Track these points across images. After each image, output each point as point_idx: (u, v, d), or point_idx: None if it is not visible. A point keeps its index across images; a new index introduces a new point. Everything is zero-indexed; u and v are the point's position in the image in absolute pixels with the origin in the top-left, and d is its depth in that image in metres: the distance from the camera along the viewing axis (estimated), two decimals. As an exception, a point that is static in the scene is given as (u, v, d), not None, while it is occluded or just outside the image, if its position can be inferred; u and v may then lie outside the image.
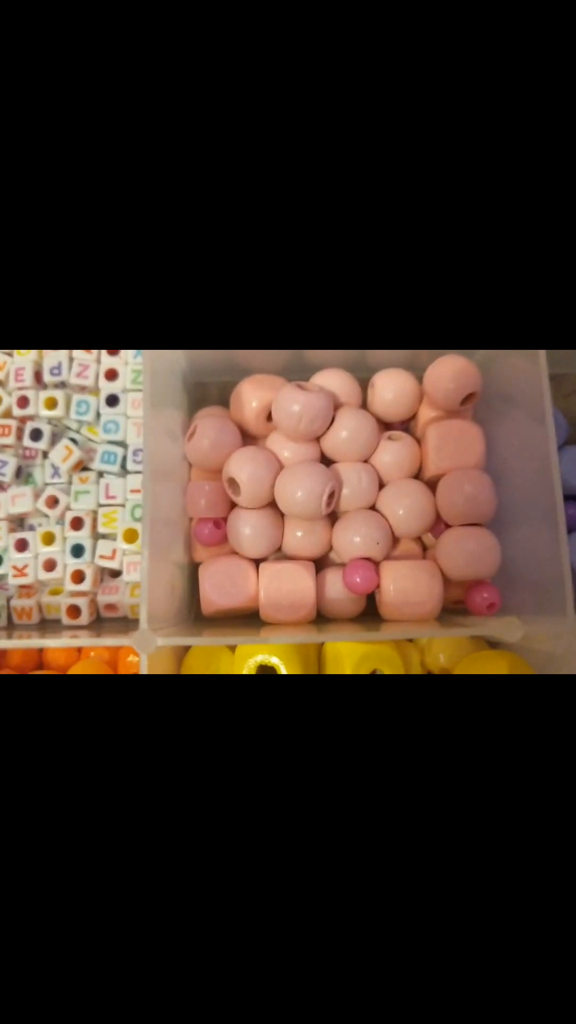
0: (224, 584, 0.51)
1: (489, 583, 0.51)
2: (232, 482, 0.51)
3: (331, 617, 0.53)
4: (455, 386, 0.53)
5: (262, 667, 0.48)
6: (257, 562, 0.53)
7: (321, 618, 0.53)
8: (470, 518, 0.51)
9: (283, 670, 0.47)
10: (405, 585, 0.50)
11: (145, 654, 0.43)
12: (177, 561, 0.52)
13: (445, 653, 0.52)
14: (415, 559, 0.52)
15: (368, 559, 0.51)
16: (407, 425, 0.58)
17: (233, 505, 0.53)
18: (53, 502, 0.55)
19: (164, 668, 0.48)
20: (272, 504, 0.52)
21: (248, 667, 0.48)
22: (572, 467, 0.58)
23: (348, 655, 0.48)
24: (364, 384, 0.56)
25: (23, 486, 0.56)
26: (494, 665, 0.47)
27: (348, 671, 0.47)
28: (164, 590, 0.47)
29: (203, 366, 0.57)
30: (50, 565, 0.54)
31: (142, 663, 0.43)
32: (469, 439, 0.53)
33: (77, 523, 0.55)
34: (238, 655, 0.49)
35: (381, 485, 0.54)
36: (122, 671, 0.53)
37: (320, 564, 0.54)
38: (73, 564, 0.54)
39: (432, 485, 0.53)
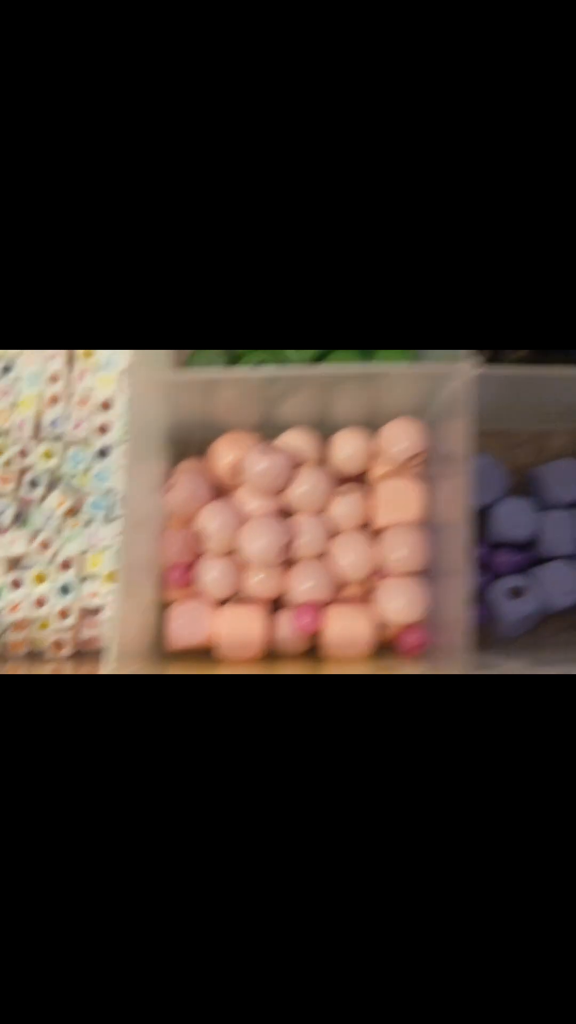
0: (188, 624, 0.59)
1: (419, 625, 0.58)
2: (202, 531, 0.59)
3: (283, 653, 0.59)
4: (404, 447, 0.59)
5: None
6: (223, 602, 0.60)
7: (273, 654, 0.60)
8: (405, 568, 0.58)
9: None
10: (344, 626, 0.57)
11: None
12: (149, 601, 0.59)
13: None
14: (355, 603, 0.59)
15: (315, 602, 0.58)
16: (362, 478, 0.64)
17: (201, 552, 0.60)
18: (45, 546, 0.62)
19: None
20: (236, 551, 0.59)
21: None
22: (508, 518, 0.64)
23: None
24: (327, 438, 0.63)
25: (20, 530, 0.63)
26: None
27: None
28: (135, 627, 0.54)
29: (184, 422, 0.64)
30: (41, 602, 0.62)
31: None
32: (410, 496, 0.59)
33: (66, 565, 0.62)
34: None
35: (336, 533, 0.61)
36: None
37: (280, 603, 0.61)
38: (61, 602, 0.62)
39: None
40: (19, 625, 0.61)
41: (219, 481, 0.62)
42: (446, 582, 0.57)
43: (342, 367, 0.56)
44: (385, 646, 0.60)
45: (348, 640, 0.57)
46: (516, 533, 0.64)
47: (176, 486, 0.59)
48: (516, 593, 0.63)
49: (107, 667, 0.50)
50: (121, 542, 0.52)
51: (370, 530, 0.61)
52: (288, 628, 0.59)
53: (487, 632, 0.66)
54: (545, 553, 0.65)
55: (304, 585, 0.58)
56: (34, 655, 0.62)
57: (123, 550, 0.52)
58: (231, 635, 0.57)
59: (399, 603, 0.57)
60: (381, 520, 0.60)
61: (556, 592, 0.63)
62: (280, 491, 0.60)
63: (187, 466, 0.63)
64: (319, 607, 0.58)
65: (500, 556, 0.65)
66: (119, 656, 0.50)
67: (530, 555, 0.65)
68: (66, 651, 0.60)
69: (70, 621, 0.60)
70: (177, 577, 0.61)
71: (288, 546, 0.58)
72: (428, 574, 0.59)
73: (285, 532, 0.57)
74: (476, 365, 0.51)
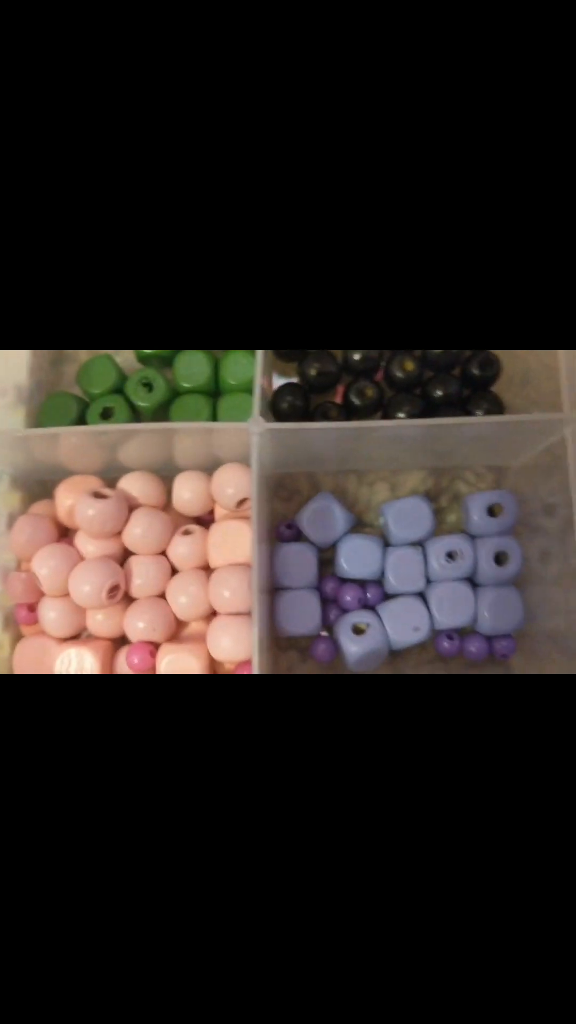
0: (30, 660, 0.61)
1: (246, 664, 0.59)
2: (36, 575, 0.61)
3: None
4: (233, 491, 0.61)
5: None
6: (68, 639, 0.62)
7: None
8: (232, 608, 0.59)
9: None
10: (175, 666, 0.59)
11: None
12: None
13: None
14: (188, 642, 0.61)
15: (149, 642, 0.60)
16: (204, 519, 0.66)
17: (42, 593, 0.63)
18: None
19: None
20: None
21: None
22: (351, 556, 0.66)
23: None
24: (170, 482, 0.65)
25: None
26: None
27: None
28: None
29: (34, 466, 0.66)
30: None
31: None
32: (240, 538, 0.61)
33: None
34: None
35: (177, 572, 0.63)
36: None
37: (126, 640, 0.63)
38: None
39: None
40: None
41: (61, 523, 0.64)
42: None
43: (172, 425, 0.58)
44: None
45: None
46: (362, 571, 0.66)
47: (16, 529, 0.62)
48: (358, 630, 0.65)
49: None
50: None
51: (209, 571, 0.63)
52: (123, 664, 0.61)
53: (338, 667, 0.67)
54: (390, 591, 0.66)
55: (138, 625, 0.60)
56: None
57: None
58: (69, 671, 0.60)
59: (225, 642, 0.59)
60: (213, 561, 0.61)
61: (399, 629, 0.64)
62: (116, 533, 0.62)
63: (34, 509, 0.65)
64: (153, 646, 0.60)
65: (346, 592, 0.66)
66: None
67: (377, 591, 0.67)
68: None
69: None
70: (24, 616, 0.63)
71: (117, 589, 0.60)
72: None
73: (114, 574, 0.59)
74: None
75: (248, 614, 0.60)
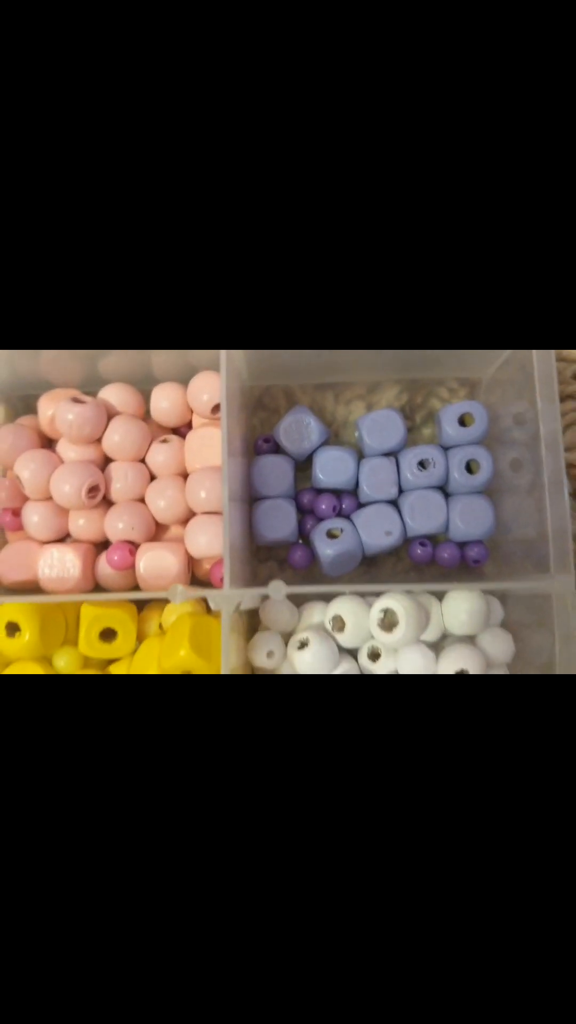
0: (14, 563, 0.63)
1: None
2: (18, 478, 0.63)
3: (107, 589, 0.63)
4: (207, 397, 0.63)
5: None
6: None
7: (97, 588, 0.64)
8: (208, 507, 0.61)
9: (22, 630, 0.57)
10: (153, 563, 0.61)
11: None
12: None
13: (175, 614, 0.62)
14: (167, 542, 0.63)
15: (128, 541, 0.62)
16: (181, 431, 0.68)
17: (26, 498, 0.65)
18: None
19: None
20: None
21: None
22: (325, 466, 0.67)
23: (85, 615, 0.59)
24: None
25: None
26: (182, 621, 0.56)
27: (83, 631, 0.58)
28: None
29: (17, 380, 0.68)
30: None
31: None
32: (216, 444, 0.63)
33: None
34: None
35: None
36: None
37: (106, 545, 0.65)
38: None
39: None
40: None
41: (44, 435, 0.66)
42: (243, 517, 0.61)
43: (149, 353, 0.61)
44: (201, 579, 0.64)
45: (159, 575, 0.61)
46: (336, 480, 0.68)
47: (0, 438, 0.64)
48: (332, 535, 0.67)
49: None
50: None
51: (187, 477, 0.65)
52: (106, 566, 0.63)
53: (314, 572, 0.70)
54: (364, 499, 0.68)
55: (117, 526, 0.62)
56: None
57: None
58: (51, 572, 0.62)
59: (202, 540, 0.61)
60: (190, 466, 0.63)
61: (372, 534, 0.66)
62: (96, 440, 0.64)
63: (21, 420, 0.68)
64: (133, 546, 0.62)
65: (321, 501, 0.68)
66: None
67: (352, 502, 0.69)
68: None
69: None
70: (8, 521, 0.65)
71: (96, 490, 0.62)
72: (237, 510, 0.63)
73: (93, 475, 0.61)
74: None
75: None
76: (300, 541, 0.69)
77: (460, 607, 0.61)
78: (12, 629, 0.56)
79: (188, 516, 0.64)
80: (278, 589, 0.52)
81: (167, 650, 0.54)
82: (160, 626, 0.61)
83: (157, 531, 0.65)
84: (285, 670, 0.62)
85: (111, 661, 0.61)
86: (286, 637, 0.63)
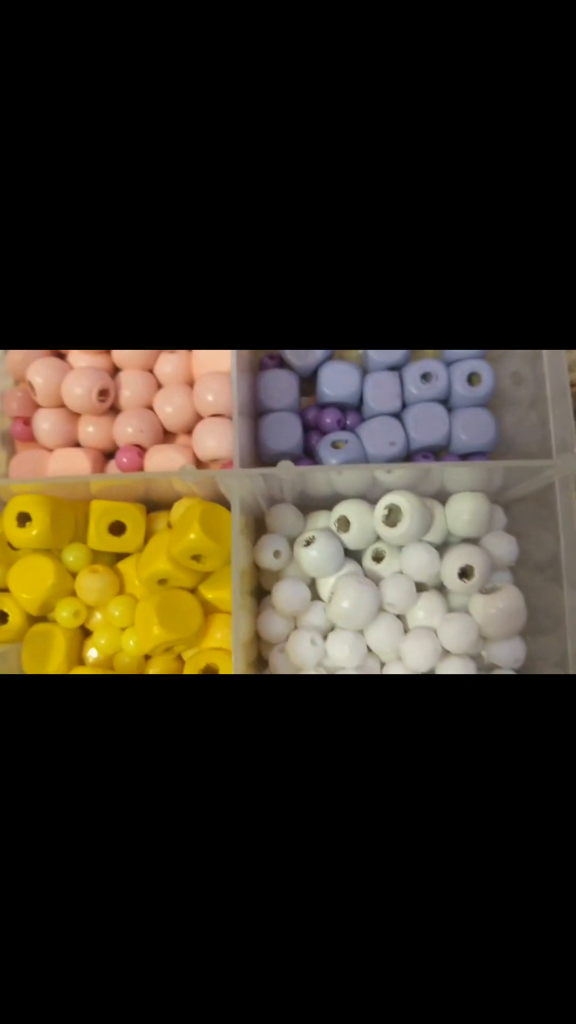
0: (27, 473, 0.64)
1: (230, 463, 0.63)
2: (31, 385, 0.64)
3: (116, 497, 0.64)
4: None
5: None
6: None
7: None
8: (215, 410, 0.63)
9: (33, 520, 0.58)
10: (162, 465, 0.62)
11: None
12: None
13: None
14: (173, 444, 0.64)
15: (136, 445, 0.64)
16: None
17: (37, 406, 0.66)
18: None
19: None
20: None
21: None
22: (331, 379, 0.69)
23: (95, 509, 0.60)
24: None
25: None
26: (192, 507, 0.57)
27: (92, 523, 0.59)
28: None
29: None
30: None
31: None
32: (221, 356, 0.64)
33: None
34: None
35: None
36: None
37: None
38: None
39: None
40: None
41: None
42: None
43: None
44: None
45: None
46: (341, 393, 0.69)
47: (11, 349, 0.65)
48: (336, 446, 0.68)
49: None
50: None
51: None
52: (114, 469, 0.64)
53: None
54: (368, 414, 0.69)
55: (126, 430, 0.64)
56: None
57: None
58: (62, 471, 0.63)
59: (210, 443, 0.62)
60: (197, 373, 0.65)
61: (376, 444, 0.67)
62: (106, 351, 0.65)
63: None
64: (141, 450, 0.64)
65: (325, 415, 0.69)
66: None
67: (356, 417, 0.70)
68: None
69: None
70: (20, 430, 0.67)
71: (106, 393, 0.63)
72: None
73: (103, 379, 0.63)
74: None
75: (230, 417, 0.63)
76: (305, 456, 0.70)
77: (463, 508, 0.62)
78: (23, 519, 0.57)
79: (194, 424, 0.65)
80: (287, 468, 0.54)
81: (177, 535, 0.55)
82: (169, 525, 0.62)
83: (164, 439, 0.66)
84: (291, 572, 0.63)
85: (120, 557, 0.62)
86: (291, 541, 0.64)
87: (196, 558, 0.55)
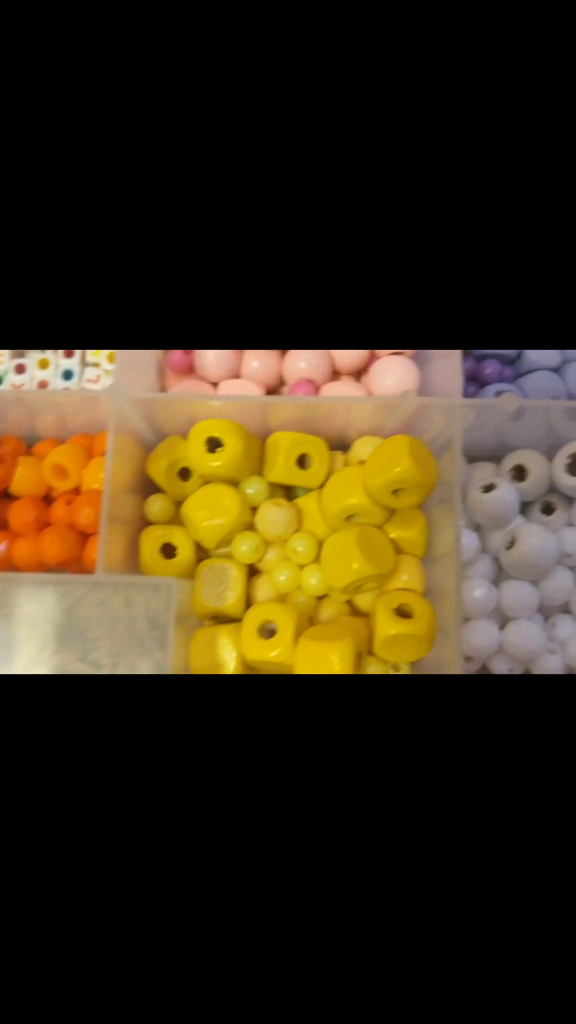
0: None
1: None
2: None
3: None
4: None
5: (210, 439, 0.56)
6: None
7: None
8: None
9: (225, 446, 0.55)
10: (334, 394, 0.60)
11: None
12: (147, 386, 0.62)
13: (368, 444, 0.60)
14: (350, 380, 0.62)
15: (310, 380, 0.61)
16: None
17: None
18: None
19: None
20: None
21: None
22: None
23: (283, 440, 0.57)
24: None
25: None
26: (399, 438, 0.55)
27: (281, 455, 0.56)
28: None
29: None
30: (43, 385, 0.64)
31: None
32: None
33: (69, 352, 0.65)
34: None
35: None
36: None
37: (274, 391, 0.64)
38: (62, 386, 0.64)
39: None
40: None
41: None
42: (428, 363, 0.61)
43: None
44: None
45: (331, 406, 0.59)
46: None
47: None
48: (499, 394, 0.66)
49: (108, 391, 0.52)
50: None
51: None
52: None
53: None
54: (526, 367, 0.68)
55: (299, 364, 0.61)
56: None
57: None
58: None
59: (388, 381, 0.60)
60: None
61: (536, 393, 0.66)
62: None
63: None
64: (314, 384, 0.61)
65: (486, 367, 0.68)
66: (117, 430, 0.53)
67: (515, 368, 0.68)
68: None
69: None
70: (177, 361, 0.64)
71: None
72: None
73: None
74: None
75: (408, 356, 0.61)
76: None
77: None
78: (213, 444, 0.54)
79: (364, 364, 0.63)
80: (510, 400, 0.52)
81: (378, 468, 0.53)
82: (345, 463, 0.59)
83: (332, 375, 0.64)
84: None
85: (300, 492, 0.59)
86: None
87: (396, 492, 0.53)
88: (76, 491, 0.59)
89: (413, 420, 0.56)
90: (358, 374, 0.64)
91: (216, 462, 0.54)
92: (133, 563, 0.57)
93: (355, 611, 0.57)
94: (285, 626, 0.52)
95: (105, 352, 0.64)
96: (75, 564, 0.57)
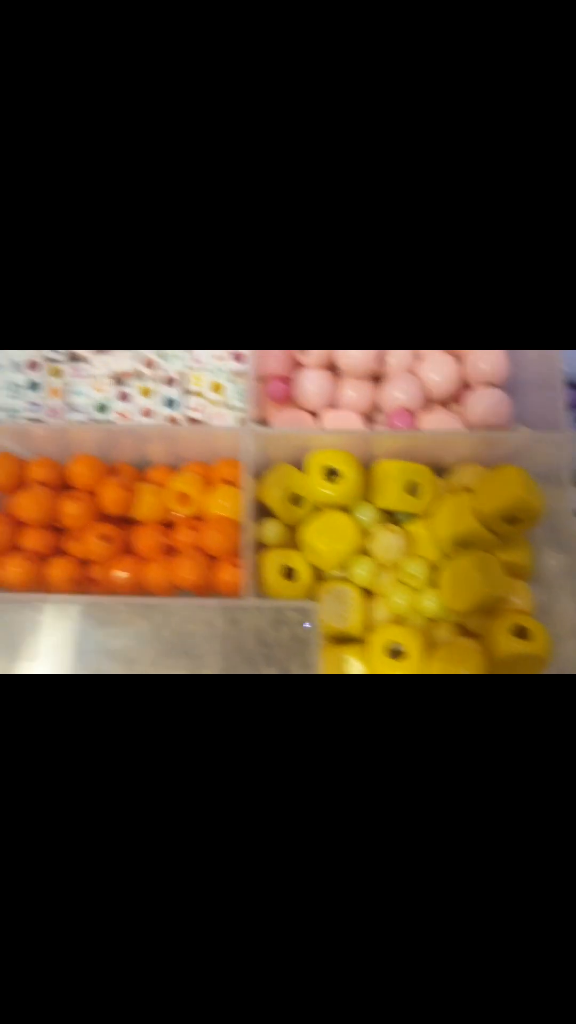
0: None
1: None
2: (302, 344, 0.64)
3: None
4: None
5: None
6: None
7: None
8: (487, 379, 0.64)
9: (343, 475, 0.58)
10: (433, 426, 0.63)
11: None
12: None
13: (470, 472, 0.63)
14: (443, 409, 0.65)
15: (408, 409, 0.64)
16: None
17: (297, 365, 0.66)
18: (149, 364, 0.67)
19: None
20: (331, 364, 0.65)
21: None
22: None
23: (391, 469, 0.60)
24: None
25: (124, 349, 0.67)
26: (509, 469, 0.58)
27: (391, 482, 0.59)
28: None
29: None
30: (147, 413, 0.66)
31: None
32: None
33: (170, 380, 0.67)
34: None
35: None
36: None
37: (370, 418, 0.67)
38: (166, 413, 0.66)
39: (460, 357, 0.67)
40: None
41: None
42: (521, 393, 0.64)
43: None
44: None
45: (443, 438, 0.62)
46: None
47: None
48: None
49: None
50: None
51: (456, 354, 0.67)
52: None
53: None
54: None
55: (396, 394, 0.64)
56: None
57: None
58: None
59: (479, 409, 0.63)
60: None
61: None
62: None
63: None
64: (412, 412, 0.64)
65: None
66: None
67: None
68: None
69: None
70: (276, 390, 0.66)
71: (378, 359, 0.64)
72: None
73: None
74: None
75: (500, 387, 0.65)
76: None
77: None
78: (330, 473, 0.57)
79: (457, 391, 0.66)
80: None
81: (490, 496, 0.56)
82: (448, 489, 0.63)
83: (427, 404, 0.67)
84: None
85: (403, 517, 0.62)
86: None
87: (509, 520, 0.57)
88: (196, 517, 0.62)
89: (518, 450, 0.59)
90: (448, 402, 0.67)
91: (333, 490, 0.57)
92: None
93: (466, 633, 0.61)
94: (412, 647, 0.56)
95: (207, 381, 0.66)
96: (204, 588, 0.59)
